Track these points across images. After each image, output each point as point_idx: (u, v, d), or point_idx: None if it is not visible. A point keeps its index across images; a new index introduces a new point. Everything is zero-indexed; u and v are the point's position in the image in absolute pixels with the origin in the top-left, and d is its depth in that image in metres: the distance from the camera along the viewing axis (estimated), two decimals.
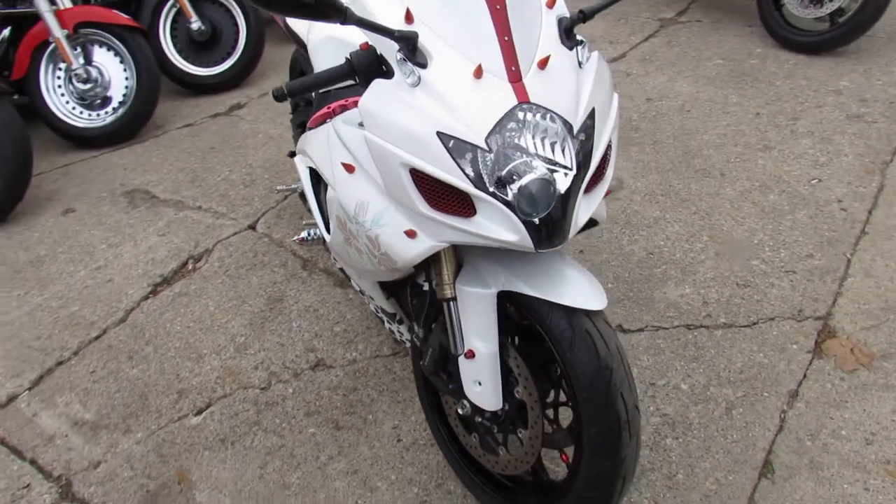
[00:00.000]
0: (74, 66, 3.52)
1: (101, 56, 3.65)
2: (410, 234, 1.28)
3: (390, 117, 1.19)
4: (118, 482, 1.83)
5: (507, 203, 1.15)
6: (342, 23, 1.13)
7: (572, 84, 1.23)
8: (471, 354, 1.39)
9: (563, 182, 1.18)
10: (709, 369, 1.91)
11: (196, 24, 3.97)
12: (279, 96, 1.35)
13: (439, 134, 1.15)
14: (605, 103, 1.29)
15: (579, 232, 1.42)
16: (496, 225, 1.18)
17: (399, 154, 1.19)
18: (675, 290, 2.19)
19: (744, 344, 1.97)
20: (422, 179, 1.19)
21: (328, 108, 1.54)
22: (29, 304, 2.57)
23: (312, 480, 1.76)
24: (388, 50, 1.23)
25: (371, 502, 1.70)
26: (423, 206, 1.21)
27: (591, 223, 1.47)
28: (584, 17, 1.29)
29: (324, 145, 1.53)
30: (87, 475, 1.87)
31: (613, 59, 3.81)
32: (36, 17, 3.47)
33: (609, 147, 1.31)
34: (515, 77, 1.18)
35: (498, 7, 1.22)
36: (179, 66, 4.08)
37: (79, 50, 3.59)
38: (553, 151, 1.17)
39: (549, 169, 1.16)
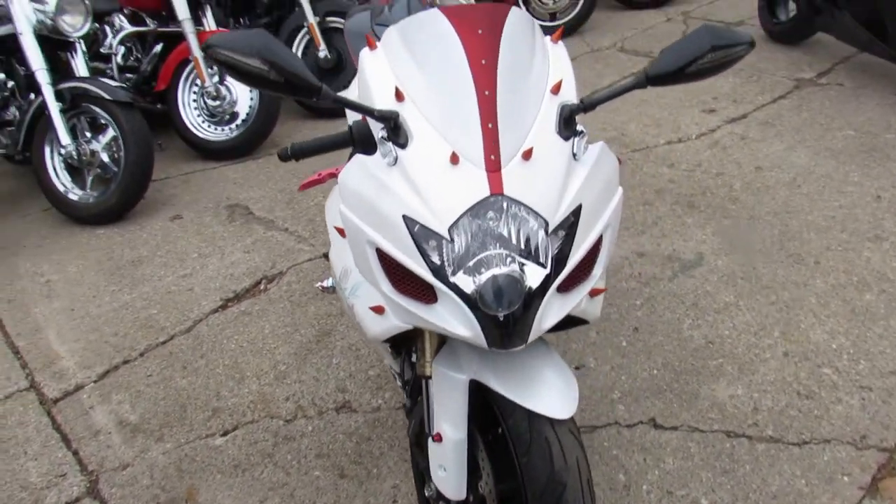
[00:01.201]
0: (207, 84, 3.83)
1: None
2: (378, 310, 1.27)
3: (363, 194, 1.19)
4: (136, 488, 1.95)
5: (464, 296, 1.10)
6: (317, 99, 1.15)
7: (558, 178, 1.16)
8: (438, 438, 1.35)
9: (532, 280, 1.12)
10: (738, 487, 1.73)
11: (323, 52, 4.20)
12: (283, 156, 1.39)
13: (405, 217, 1.13)
14: (598, 199, 1.21)
15: (560, 329, 1.35)
16: (452, 317, 1.14)
17: (367, 232, 1.18)
18: (725, 388, 2.00)
19: (786, 465, 1.76)
20: (387, 260, 1.18)
21: (318, 175, 1.56)
22: (118, 301, 2.81)
23: None
24: (375, 126, 1.23)
25: None
26: (386, 286, 1.19)
27: (579, 321, 1.38)
28: (583, 107, 1.22)
29: (331, 205, 1.55)
30: (114, 476, 2.01)
31: (732, 120, 3.57)
32: (182, 37, 3.82)
33: (599, 244, 1.22)
34: (493, 166, 1.14)
35: (487, 93, 1.18)
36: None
37: (214, 69, 3.90)
38: (523, 247, 1.11)
39: (519, 265, 1.10)
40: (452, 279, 1.10)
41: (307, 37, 4.28)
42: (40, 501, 1.96)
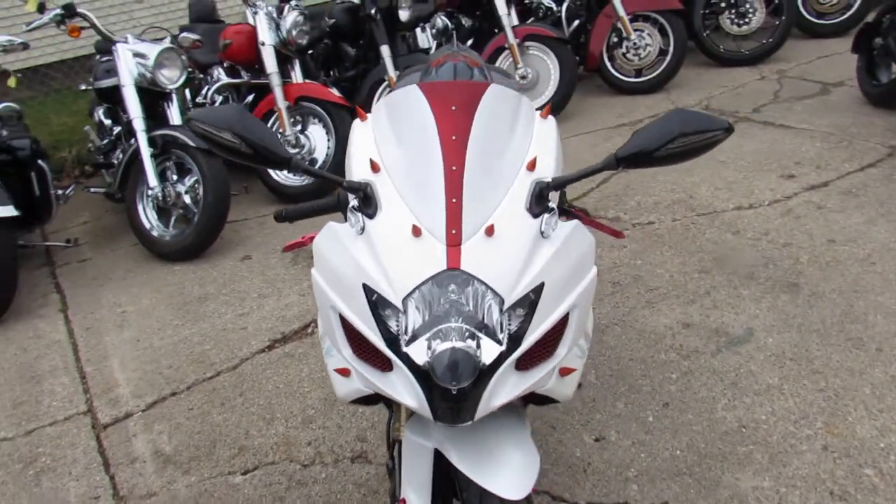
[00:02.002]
0: (288, 133, 4.06)
1: (313, 126, 4.16)
2: (343, 372, 1.30)
3: (331, 260, 1.23)
4: None
5: (414, 367, 1.11)
6: (288, 171, 1.21)
7: (520, 255, 1.16)
8: (403, 503, 1.35)
9: (485, 356, 1.11)
10: None
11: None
12: (278, 218, 1.47)
13: (365, 286, 1.16)
14: (565, 278, 1.19)
15: (537, 404, 1.33)
16: (403, 387, 1.15)
17: (331, 297, 1.22)
18: (751, 479, 1.87)
19: None
20: (349, 326, 1.21)
21: (302, 238, 1.62)
22: (179, 335, 2.99)
23: None
24: (350, 195, 1.28)
25: None
26: (347, 352, 1.23)
27: (549, 400, 1.36)
28: (553, 186, 1.21)
29: None
30: (139, 503, 2.12)
31: (811, 187, 3.38)
32: (271, 89, 4.09)
33: (565, 323, 1.20)
34: (454, 241, 1.16)
35: (454, 168, 1.21)
36: None
37: (296, 119, 4.14)
38: (478, 322, 1.11)
39: (473, 340, 1.11)
40: (405, 349, 1.12)
41: (388, 89, 4.46)
42: None
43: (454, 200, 1.18)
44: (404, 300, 1.12)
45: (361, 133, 1.35)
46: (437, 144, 1.23)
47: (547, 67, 4.80)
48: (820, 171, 3.53)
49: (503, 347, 1.12)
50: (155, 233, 3.68)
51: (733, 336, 2.44)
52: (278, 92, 4.02)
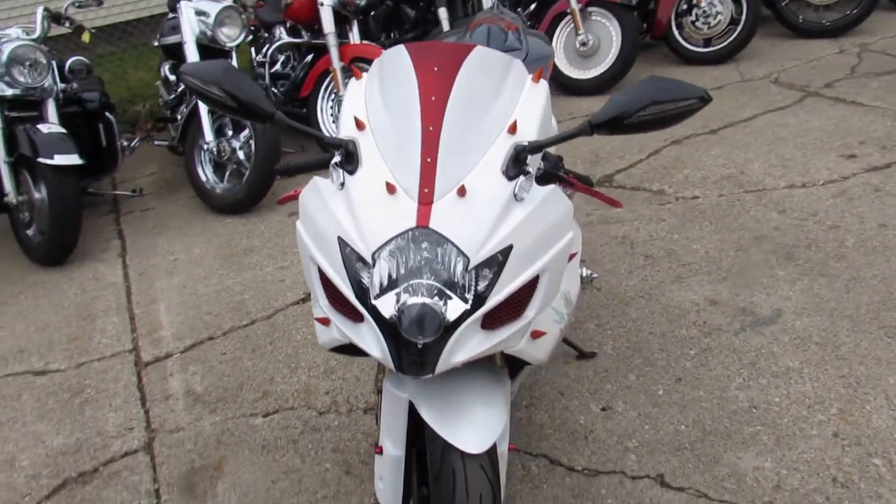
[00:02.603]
0: (342, 93, 4.12)
1: None
2: (323, 321, 1.36)
3: (313, 213, 1.29)
4: (180, 451, 2.20)
5: (381, 320, 1.16)
6: (272, 124, 1.27)
7: (490, 216, 1.18)
8: (380, 451, 1.41)
9: (450, 313, 1.15)
10: None
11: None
12: (278, 171, 1.53)
13: (339, 239, 1.21)
14: (537, 241, 1.21)
15: (515, 368, 1.36)
16: (370, 338, 1.20)
17: (311, 248, 1.28)
18: (753, 459, 1.84)
19: None
20: (325, 277, 1.26)
21: (295, 191, 1.67)
22: (222, 284, 3.14)
23: None
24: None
25: None
26: (323, 301, 1.28)
27: (522, 363, 1.38)
28: (529, 149, 1.22)
29: None
30: (167, 437, 2.27)
31: (872, 168, 3.20)
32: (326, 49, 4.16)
33: (534, 286, 1.22)
34: (426, 199, 1.19)
35: (431, 128, 1.23)
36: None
37: (348, 80, 4.20)
38: (445, 280, 1.14)
39: (438, 296, 1.14)
40: (373, 302, 1.16)
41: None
42: (107, 447, 2.27)
43: (429, 160, 1.21)
44: (374, 254, 1.16)
45: (354, 91, 1.39)
46: (416, 105, 1.25)
47: (609, 34, 4.68)
48: (885, 153, 3.33)
49: (467, 306, 1.15)
50: (210, 186, 3.85)
51: (760, 316, 2.37)
52: (334, 52, 4.08)
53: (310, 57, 4.54)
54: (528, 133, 1.28)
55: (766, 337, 2.27)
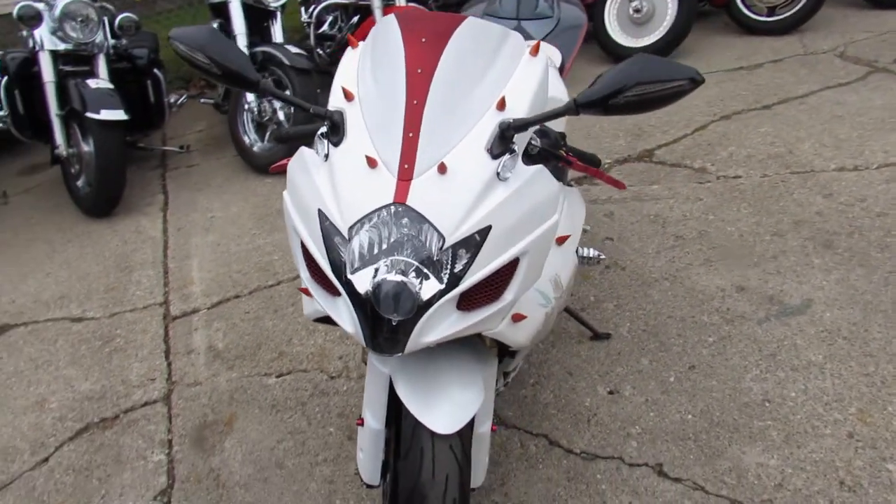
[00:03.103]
0: None
1: None
2: (307, 292, 1.36)
3: (297, 183, 1.28)
4: (195, 405, 2.27)
5: (354, 295, 1.15)
6: (255, 93, 1.26)
7: (469, 195, 1.15)
8: (361, 422, 1.42)
9: (424, 292, 1.13)
10: None
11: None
12: (276, 137, 1.53)
13: (319, 211, 1.21)
14: (517, 223, 1.18)
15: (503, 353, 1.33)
16: (344, 313, 1.20)
17: (294, 219, 1.27)
18: (758, 455, 1.78)
19: None
20: (306, 249, 1.26)
21: (286, 160, 1.65)
22: (254, 244, 3.20)
23: (299, 472, 1.96)
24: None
25: None
26: (304, 273, 1.28)
27: (505, 347, 1.35)
28: (513, 127, 1.17)
29: None
30: (184, 390, 2.35)
31: None
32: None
33: (514, 269, 1.19)
34: (405, 175, 1.16)
35: (415, 102, 1.20)
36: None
37: None
38: (421, 258, 1.13)
39: (413, 274, 1.13)
40: (349, 277, 1.15)
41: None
42: (128, 396, 2.36)
43: (411, 135, 1.18)
44: (350, 229, 1.15)
45: (347, 61, 1.36)
46: (402, 77, 1.22)
47: (664, 1, 4.48)
48: None
49: (442, 286, 1.13)
50: (251, 145, 3.90)
51: (788, 306, 2.27)
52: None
53: (356, 18, 4.51)
54: (518, 110, 1.23)
55: (790, 328, 2.18)
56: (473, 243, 1.14)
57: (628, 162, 3.37)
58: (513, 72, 1.28)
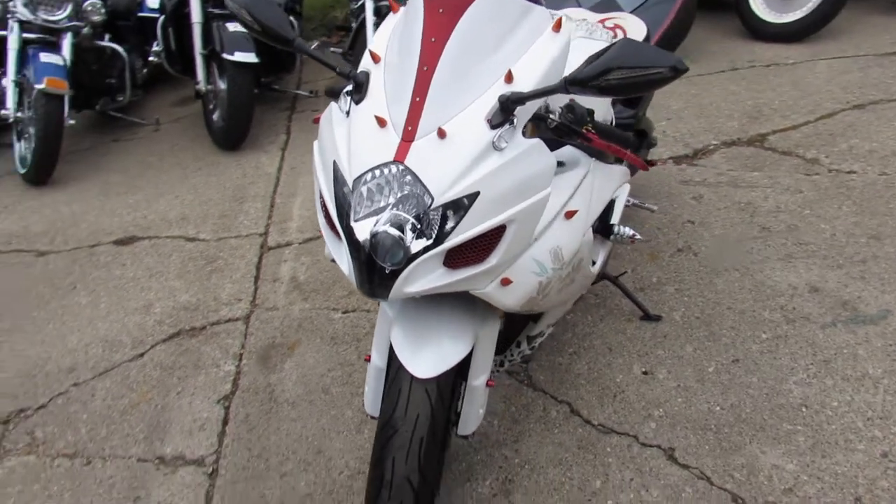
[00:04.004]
0: None
1: None
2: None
3: (323, 136, 1.41)
4: (268, 328, 2.52)
5: (352, 241, 1.28)
6: (291, 49, 1.38)
7: (462, 161, 1.23)
8: (368, 359, 1.56)
9: (414, 245, 1.24)
10: None
11: None
12: (328, 92, 1.66)
13: (335, 163, 1.33)
14: (506, 192, 1.24)
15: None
16: (343, 257, 1.33)
17: (316, 168, 1.41)
18: (777, 457, 1.74)
19: None
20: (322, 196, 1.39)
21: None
22: None
23: (340, 399, 2.15)
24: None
25: (354, 444, 2.01)
26: (320, 218, 1.42)
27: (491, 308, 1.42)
28: (512, 100, 1.22)
29: None
30: (262, 313, 2.61)
31: None
32: None
33: (499, 236, 1.26)
34: (408, 137, 1.26)
35: (425, 69, 1.28)
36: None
37: None
38: (414, 214, 1.23)
39: (407, 228, 1.23)
40: (352, 224, 1.28)
41: None
42: (217, 311, 2.66)
43: (417, 99, 1.27)
44: (355, 181, 1.27)
45: (384, 26, 1.45)
46: (418, 44, 1.30)
47: None
48: None
49: (429, 242, 1.23)
50: None
51: (861, 314, 2.13)
52: None
53: None
54: (526, 84, 1.28)
55: (856, 336, 2.05)
56: (462, 206, 1.22)
57: (736, 145, 3.22)
58: (529, 46, 1.32)
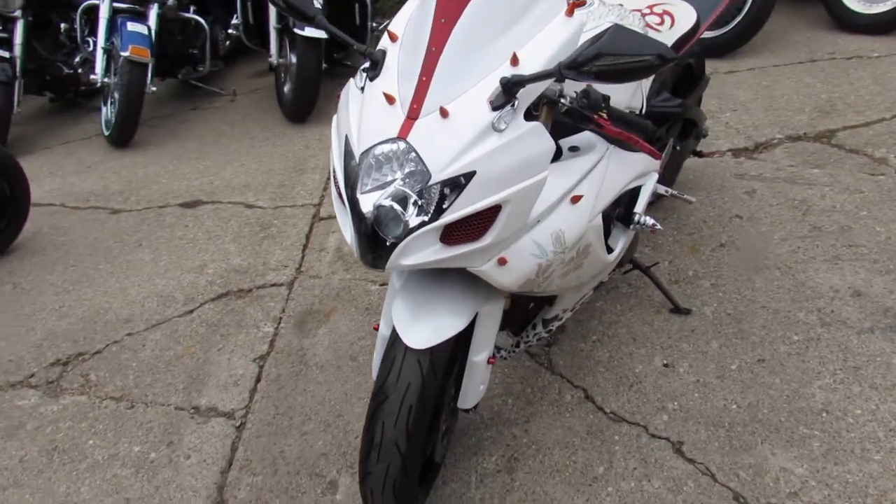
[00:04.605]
0: None
1: None
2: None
3: (340, 110, 1.48)
4: (308, 294, 2.64)
5: (356, 212, 1.34)
6: (313, 26, 1.44)
7: (461, 140, 1.27)
8: (377, 328, 1.63)
9: (412, 219, 1.29)
10: None
11: None
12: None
13: (347, 136, 1.40)
14: (503, 172, 1.27)
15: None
16: (347, 227, 1.39)
17: (333, 139, 1.48)
18: (787, 460, 1.70)
19: None
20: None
21: None
22: None
23: (366, 367, 2.23)
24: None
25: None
26: (332, 184, 1.49)
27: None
28: (510, 83, 1.24)
29: None
30: (305, 280, 2.73)
31: None
32: None
33: (495, 215, 1.29)
34: (413, 114, 1.31)
35: (433, 49, 1.32)
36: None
37: None
38: (414, 189, 1.28)
39: (407, 202, 1.29)
40: (357, 196, 1.34)
41: None
42: (264, 276, 2.80)
43: (424, 79, 1.31)
44: (362, 154, 1.33)
45: (405, 7, 1.49)
46: (429, 25, 1.33)
47: None
48: None
49: (426, 217, 1.28)
50: None
51: None
52: None
53: None
54: (532, 67, 1.29)
55: (893, 345, 1.97)
56: (458, 184, 1.26)
57: (801, 140, 3.09)
58: (539, 30, 1.33)
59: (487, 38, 1.31)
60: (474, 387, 1.58)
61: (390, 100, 1.32)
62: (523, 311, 1.84)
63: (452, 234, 1.30)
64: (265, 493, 1.86)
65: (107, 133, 4.34)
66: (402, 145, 1.28)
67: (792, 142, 3.09)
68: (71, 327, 2.64)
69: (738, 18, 3.93)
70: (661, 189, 2.30)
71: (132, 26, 4.09)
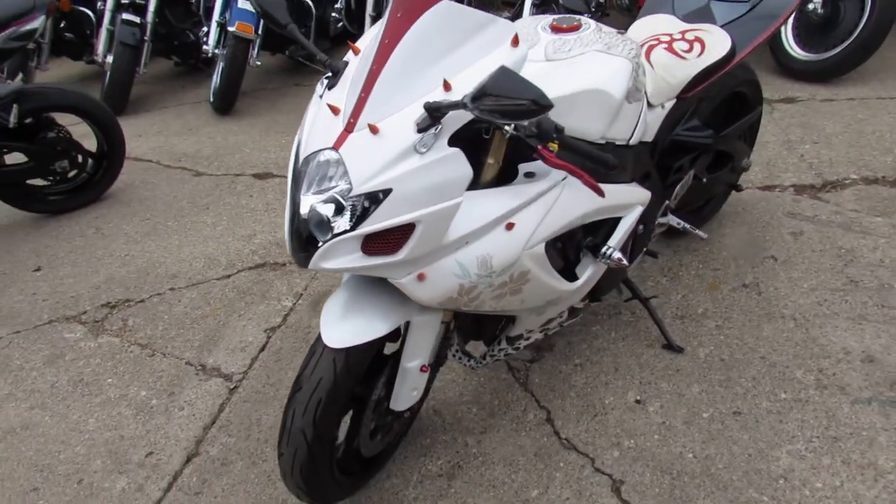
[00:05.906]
0: None
1: None
2: None
3: (304, 114, 1.57)
4: (332, 276, 2.77)
5: (294, 211, 1.44)
6: (284, 33, 1.54)
7: (384, 158, 1.33)
8: None
9: (337, 225, 1.38)
10: None
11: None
12: (330, 68, 1.80)
13: (298, 140, 1.50)
14: (418, 193, 1.33)
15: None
16: (287, 223, 1.49)
17: (294, 142, 1.58)
18: (790, 463, 1.64)
19: None
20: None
21: None
22: None
23: None
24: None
25: None
26: (287, 188, 1.59)
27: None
28: (433, 108, 1.28)
29: None
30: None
31: None
32: None
33: (409, 233, 1.34)
34: (349, 128, 1.39)
35: (374, 67, 1.38)
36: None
37: None
38: (341, 197, 1.36)
39: (331, 208, 1.38)
40: (300, 196, 1.44)
41: None
42: None
43: (363, 95, 1.38)
44: (304, 159, 1.42)
45: (376, 25, 1.56)
46: (376, 44, 1.39)
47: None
48: None
49: (347, 226, 1.35)
50: None
51: None
52: None
53: None
54: (461, 90, 1.32)
55: (887, 421, 1.82)
56: (377, 199, 1.33)
57: (877, 184, 2.84)
58: (480, 58, 1.36)
59: (426, 62, 1.36)
60: (406, 391, 1.65)
61: (335, 111, 1.40)
62: (494, 324, 1.88)
63: (372, 245, 1.37)
64: (232, 454, 2.02)
65: (212, 100, 4.70)
66: (334, 156, 1.36)
67: (866, 184, 2.85)
68: (128, 275, 2.94)
69: (848, 42, 3.63)
70: (674, 221, 2.24)
71: (242, 3, 4.39)
